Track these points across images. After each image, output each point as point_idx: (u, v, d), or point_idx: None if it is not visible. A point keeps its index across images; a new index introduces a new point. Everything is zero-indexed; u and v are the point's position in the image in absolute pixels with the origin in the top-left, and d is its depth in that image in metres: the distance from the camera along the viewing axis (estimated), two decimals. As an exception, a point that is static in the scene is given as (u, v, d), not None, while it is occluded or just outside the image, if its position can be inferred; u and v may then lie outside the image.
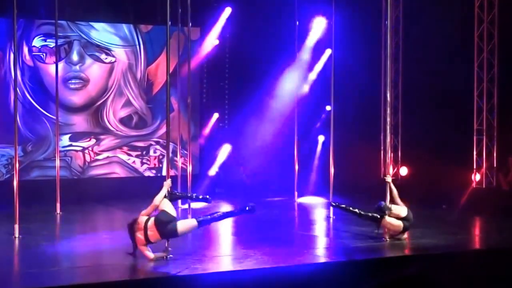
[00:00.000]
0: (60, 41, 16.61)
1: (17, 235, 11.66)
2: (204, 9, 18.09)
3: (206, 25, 18.54)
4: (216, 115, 19.17)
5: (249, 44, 18.89)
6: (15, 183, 11.94)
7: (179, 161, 14.86)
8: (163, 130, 18.14)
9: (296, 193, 16.45)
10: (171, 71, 12.15)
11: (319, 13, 18.23)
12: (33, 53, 17.05)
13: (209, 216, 10.20)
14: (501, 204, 14.65)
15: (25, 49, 16.96)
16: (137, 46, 18.07)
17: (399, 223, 11.55)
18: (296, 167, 16.45)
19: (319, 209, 15.60)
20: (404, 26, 17.58)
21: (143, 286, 8.90)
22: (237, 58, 19.18)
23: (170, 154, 13.69)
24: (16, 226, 11.70)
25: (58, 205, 14.51)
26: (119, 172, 17.98)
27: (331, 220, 13.86)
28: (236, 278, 9.35)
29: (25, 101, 16.91)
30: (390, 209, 11.53)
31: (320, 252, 11.23)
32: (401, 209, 11.66)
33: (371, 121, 17.90)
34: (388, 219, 11.48)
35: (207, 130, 19.05)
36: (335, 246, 11.71)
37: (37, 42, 17.08)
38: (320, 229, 13.65)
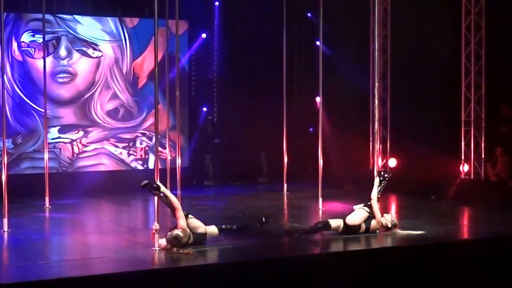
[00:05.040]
0: (48, 36, 16.68)
1: (6, 229, 11.62)
2: (192, 2, 18.04)
3: (194, 18, 18.50)
4: (204, 109, 19.17)
5: (238, 37, 18.89)
6: (3, 176, 11.92)
7: (168, 154, 14.82)
8: (149, 122, 18.22)
9: (285, 185, 16.44)
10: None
11: (307, 7, 18.25)
12: (22, 48, 17.08)
13: (228, 226, 11.00)
14: (489, 195, 14.72)
15: (15, 45, 17.01)
16: (123, 41, 18.09)
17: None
18: (285, 159, 16.45)
19: (307, 200, 15.55)
20: (392, 17, 17.60)
21: (132, 279, 8.88)
22: (225, 51, 19.15)
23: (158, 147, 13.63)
24: (5, 220, 11.66)
25: (47, 198, 14.48)
26: (106, 163, 18.06)
27: (320, 212, 13.86)
28: (227, 271, 9.36)
29: (15, 95, 16.99)
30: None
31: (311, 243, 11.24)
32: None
33: (360, 112, 17.93)
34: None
35: (195, 123, 19.05)
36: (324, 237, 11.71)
37: (26, 37, 17.09)
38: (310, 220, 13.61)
